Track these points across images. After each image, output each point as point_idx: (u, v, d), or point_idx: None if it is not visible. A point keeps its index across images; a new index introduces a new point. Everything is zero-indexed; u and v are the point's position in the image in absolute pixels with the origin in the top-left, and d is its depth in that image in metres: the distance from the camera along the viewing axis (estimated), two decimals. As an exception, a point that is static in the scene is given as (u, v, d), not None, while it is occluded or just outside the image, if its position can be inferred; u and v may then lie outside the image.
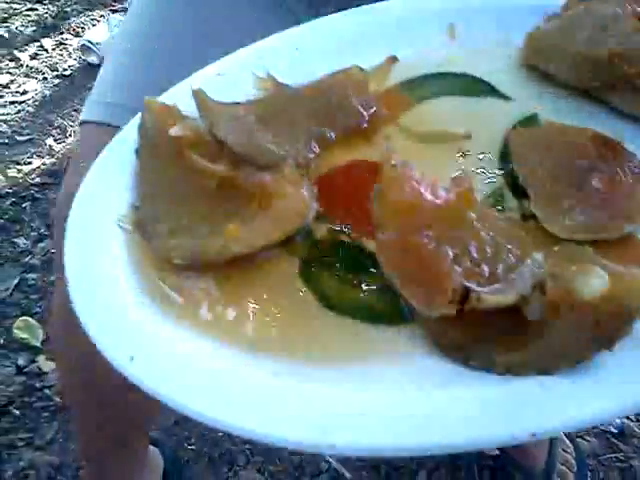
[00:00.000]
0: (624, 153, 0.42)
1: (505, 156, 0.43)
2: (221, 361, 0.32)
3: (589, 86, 0.46)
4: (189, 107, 0.40)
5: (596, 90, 0.46)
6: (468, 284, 0.32)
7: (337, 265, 0.37)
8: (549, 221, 0.38)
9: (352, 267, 0.37)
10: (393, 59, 0.47)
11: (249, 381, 0.32)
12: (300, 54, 0.47)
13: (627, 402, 0.31)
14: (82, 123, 0.60)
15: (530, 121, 0.46)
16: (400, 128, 0.45)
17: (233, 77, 0.44)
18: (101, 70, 0.63)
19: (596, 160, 0.41)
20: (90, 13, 1.95)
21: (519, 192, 0.41)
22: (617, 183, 0.40)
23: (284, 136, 0.41)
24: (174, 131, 0.38)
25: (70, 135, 1.55)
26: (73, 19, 1.93)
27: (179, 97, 0.41)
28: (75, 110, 1.61)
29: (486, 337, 0.34)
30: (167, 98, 0.41)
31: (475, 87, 0.48)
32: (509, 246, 0.35)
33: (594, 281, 0.30)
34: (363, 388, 0.32)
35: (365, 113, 0.44)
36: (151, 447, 0.84)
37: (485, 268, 0.34)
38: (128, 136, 0.39)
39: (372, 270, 0.37)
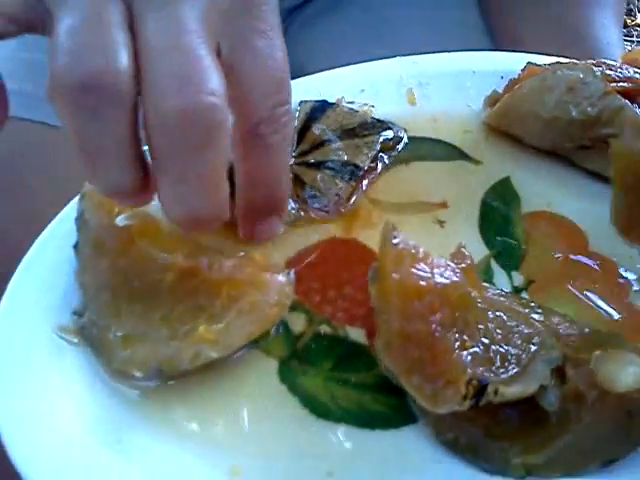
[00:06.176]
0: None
1: (484, 223, 0.41)
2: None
3: (560, 148, 0.44)
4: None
5: (568, 152, 0.44)
6: (484, 375, 0.28)
7: (320, 363, 0.32)
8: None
9: (338, 363, 0.33)
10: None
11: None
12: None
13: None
14: None
15: (503, 185, 0.44)
16: (369, 200, 0.42)
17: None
18: None
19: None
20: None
21: (505, 263, 0.39)
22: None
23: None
24: (122, 220, 0.32)
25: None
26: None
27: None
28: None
29: (501, 434, 0.30)
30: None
31: (443, 151, 0.45)
32: (517, 325, 0.32)
33: (629, 370, 0.26)
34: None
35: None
36: None
37: (496, 354, 0.30)
38: (59, 230, 0.33)
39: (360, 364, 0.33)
